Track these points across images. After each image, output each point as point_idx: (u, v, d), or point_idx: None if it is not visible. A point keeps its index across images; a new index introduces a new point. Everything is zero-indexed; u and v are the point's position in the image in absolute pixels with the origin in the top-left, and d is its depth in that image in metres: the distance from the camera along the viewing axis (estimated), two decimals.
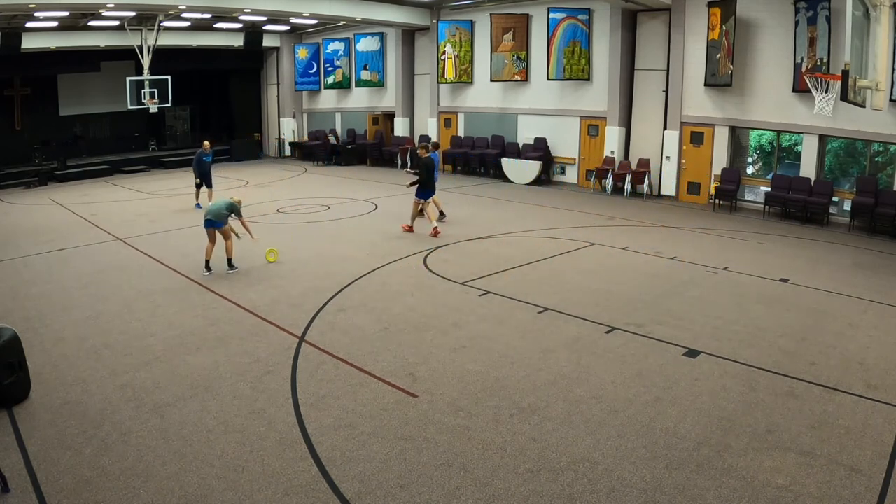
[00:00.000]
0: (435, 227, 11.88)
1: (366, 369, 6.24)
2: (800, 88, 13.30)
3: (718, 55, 14.55)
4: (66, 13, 17.80)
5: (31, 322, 7.56)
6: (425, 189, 12.01)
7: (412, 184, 12.19)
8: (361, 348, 6.75)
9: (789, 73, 13.77)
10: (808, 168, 13.98)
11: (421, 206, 12.10)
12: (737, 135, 15.47)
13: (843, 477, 4.44)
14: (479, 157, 20.10)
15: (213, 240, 9.68)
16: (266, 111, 28.60)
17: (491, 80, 19.88)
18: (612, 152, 17.26)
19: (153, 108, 21.31)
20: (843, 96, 9.05)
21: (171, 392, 5.77)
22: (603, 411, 5.41)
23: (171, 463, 4.65)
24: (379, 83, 23.75)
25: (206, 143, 15.15)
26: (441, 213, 13.00)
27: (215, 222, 9.60)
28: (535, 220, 13.33)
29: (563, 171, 18.84)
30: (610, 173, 17.00)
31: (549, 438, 4.98)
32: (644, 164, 16.86)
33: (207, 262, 9.66)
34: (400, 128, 23.32)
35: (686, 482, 4.40)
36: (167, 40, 21.49)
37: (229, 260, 9.79)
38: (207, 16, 20.26)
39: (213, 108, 28.43)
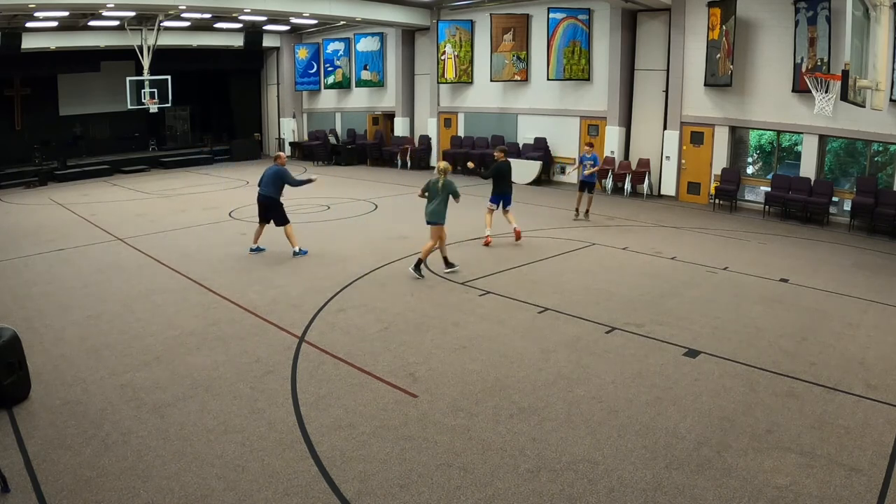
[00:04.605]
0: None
1: (366, 369, 6.24)
2: (800, 88, 13.30)
3: (718, 55, 14.55)
4: (66, 13, 17.80)
5: (31, 322, 7.56)
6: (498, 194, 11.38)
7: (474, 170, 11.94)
8: (361, 348, 6.75)
9: (789, 73, 13.77)
10: (808, 168, 13.99)
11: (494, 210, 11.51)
12: (737, 135, 15.48)
13: (843, 477, 4.44)
14: (480, 157, 20.08)
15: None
16: (266, 111, 28.62)
17: (491, 80, 19.89)
18: (612, 152, 17.27)
19: (153, 108, 21.35)
20: (843, 96, 9.05)
21: (171, 392, 5.76)
22: (603, 411, 5.40)
23: (171, 463, 4.64)
24: (379, 83, 23.75)
25: (282, 154, 11.01)
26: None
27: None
28: (535, 220, 13.33)
29: (563, 171, 18.84)
30: (610, 173, 17.00)
31: (549, 438, 4.97)
32: (644, 163, 16.86)
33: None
34: (400, 128, 23.32)
35: (686, 482, 4.40)
36: (167, 40, 21.51)
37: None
38: (207, 16, 20.27)
39: (213, 108, 28.43)
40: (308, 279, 9.25)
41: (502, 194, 11.39)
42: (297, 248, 10.52)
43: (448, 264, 9.53)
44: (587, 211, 13.63)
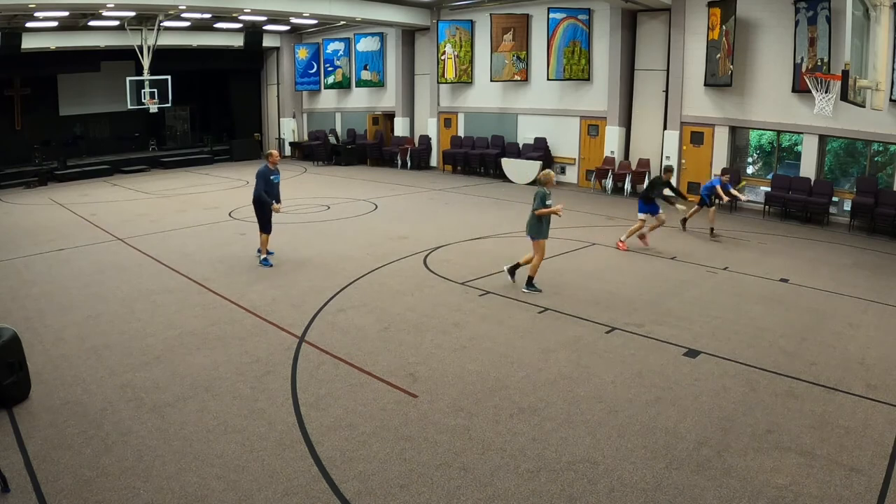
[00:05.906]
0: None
1: (366, 369, 6.24)
2: (800, 88, 13.31)
3: (718, 55, 14.56)
4: (66, 13, 17.80)
5: (31, 322, 7.56)
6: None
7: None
8: (361, 348, 6.75)
9: (789, 73, 13.78)
10: (808, 168, 13.99)
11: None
12: (737, 135, 15.47)
13: (843, 477, 4.44)
14: (480, 157, 20.10)
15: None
16: (266, 111, 28.61)
17: (491, 80, 19.89)
18: (612, 152, 17.27)
19: (153, 108, 21.33)
20: (843, 96, 9.05)
21: (171, 392, 5.76)
22: (603, 411, 5.40)
23: (171, 463, 4.64)
24: (379, 83, 23.75)
25: (275, 153, 10.04)
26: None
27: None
28: None
29: (563, 171, 18.84)
30: (610, 173, 17.00)
31: (549, 438, 4.98)
32: (644, 164, 16.86)
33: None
34: (400, 128, 23.32)
35: (686, 482, 4.40)
36: (167, 40, 21.50)
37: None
38: (207, 16, 20.27)
39: (213, 108, 28.42)
40: (308, 279, 9.25)
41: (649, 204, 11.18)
42: (263, 256, 9.94)
43: (529, 284, 8.65)
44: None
